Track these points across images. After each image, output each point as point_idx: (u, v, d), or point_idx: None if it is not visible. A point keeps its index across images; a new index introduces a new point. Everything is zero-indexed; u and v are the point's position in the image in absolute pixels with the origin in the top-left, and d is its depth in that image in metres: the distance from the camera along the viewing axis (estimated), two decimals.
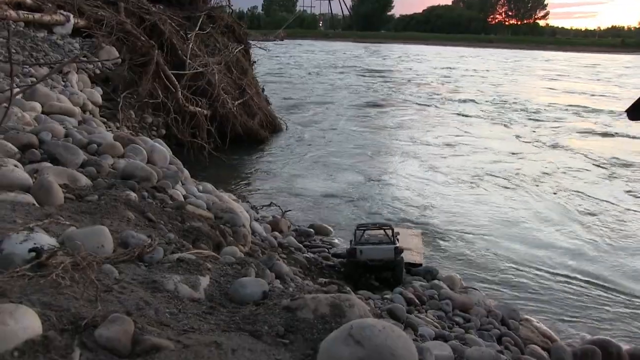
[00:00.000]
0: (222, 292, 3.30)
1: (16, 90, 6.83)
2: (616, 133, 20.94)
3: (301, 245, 8.38)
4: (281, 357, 2.57)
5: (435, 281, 7.48)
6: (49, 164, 5.53)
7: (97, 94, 11.63)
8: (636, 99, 2.52)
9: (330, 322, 2.83)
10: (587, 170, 15.58)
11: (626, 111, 2.57)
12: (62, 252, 3.20)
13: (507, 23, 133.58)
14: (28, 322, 2.45)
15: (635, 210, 12.02)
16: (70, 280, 2.99)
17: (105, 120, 10.99)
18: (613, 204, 12.49)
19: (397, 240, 7.73)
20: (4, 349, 2.27)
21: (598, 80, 42.93)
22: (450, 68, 50.26)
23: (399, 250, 7.37)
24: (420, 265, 8.27)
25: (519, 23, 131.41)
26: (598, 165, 16.10)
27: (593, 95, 32.48)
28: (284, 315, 2.92)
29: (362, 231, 7.72)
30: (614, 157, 16.95)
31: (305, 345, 2.71)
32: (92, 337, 2.55)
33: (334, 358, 2.30)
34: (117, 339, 2.55)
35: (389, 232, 7.66)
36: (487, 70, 46.52)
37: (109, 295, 2.98)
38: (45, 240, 3.43)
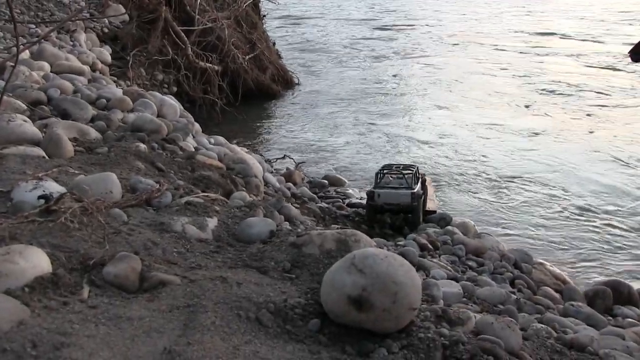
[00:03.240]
0: (229, 232, 3.34)
1: (21, 47, 6.81)
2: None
3: (314, 196, 8.38)
4: (287, 290, 2.60)
5: (449, 227, 7.45)
6: (58, 119, 5.55)
7: (106, 52, 11.55)
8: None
9: (336, 256, 2.84)
10: (606, 112, 15.23)
11: (629, 52, 2.44)
12: (70, 198, 3.24)
13: None
14: (37, 261, 2.51)
15: None
16: (79, 223, 3.04)
17: (115, 79, 10.95)
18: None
19: (423, 183, 7.78)
20: (15, 286, 2.33)
21: None
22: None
23: (415, 196, 7.34)
24: (435, 212, 8.24)
25: None
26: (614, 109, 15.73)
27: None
28: (291, 252, 2.94)
29: (383, 175, 7.69)
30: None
31: (310, 279, 2.74)
32: (100, 275, 2.60)
33: (337, 287, 2.32)
34: (124, 275, 2.60)
35: (409, 177, 7.60)
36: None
37: (117, 237, 3.02)
38: (55, 188, 3.47)
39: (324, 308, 2.42)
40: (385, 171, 7.79)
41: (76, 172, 4.01)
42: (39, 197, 3.30)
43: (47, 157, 4.54)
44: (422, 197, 7.61)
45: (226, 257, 2.99)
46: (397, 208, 7.30)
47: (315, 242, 2.91)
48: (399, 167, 7.99)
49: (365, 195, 8.68)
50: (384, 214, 7.43)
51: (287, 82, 16.97)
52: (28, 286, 2.34)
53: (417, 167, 8.05)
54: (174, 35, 13.29)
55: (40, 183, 3.47)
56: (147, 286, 2.58)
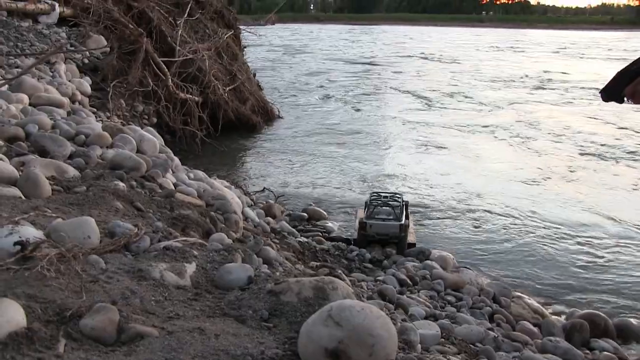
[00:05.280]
0: (208, 278, 3.33)
1: (0, 82, 6.78)
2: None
3: (294, 230, 8.40)
4: (264, 341, 2.60)
5: (428, 261, 7.54)
6: (36, 157, 5.52)
7: (86, 83, 11.52)
8: (609, 79, 2.50)
9: (313, 304, 2.86)
10: (576, 147, 15.64)
11: (600, 92, 2.53)
12: (47, 245, 3.21)
13: (498, 2, 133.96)
14: (12, 315, 2.47)
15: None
16: (56, 272, 3.01)
17: (95, 110, 10.91)
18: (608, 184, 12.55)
19: (407, 210, 8.55)
20: None
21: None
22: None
23: (403, 227, 8.11)
24: (414, 245, 8.31)
25: (510, 2, 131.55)
26: (587, 149, 16.15)
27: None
28: (268, 300, 2.95)
29: (374, 206, 8.41)
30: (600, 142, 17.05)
31: (288, 329, 2.75)
32: (77, 327, 2.58)
33: (313, 340, 2.34)
34: (102, 328, 2.58)
35: (397, 208, 8.36)
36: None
37: (95, 285, 3.00)
38: (31, 233, 3.44)
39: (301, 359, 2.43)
40: (374, 202, 8.59)
41: (53, 215, 3.98)
42: (15, 244, 3.26)
43: (23, 198, 4.51)
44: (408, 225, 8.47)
45: (204, 304, 2.99)
46: (387, 238, 8.13)
47: (293, 289, 2.93)
48: (387, 197, 8.88)
49: (344, 228, 9.16)
50: (373, 242, 8.22)
51: (267, 114, 17.09)
52: (0, 343, 2.30)
53: (402, 196, 8.97)
54: (154, 66, 13.36)
55: (17, 228, 3.43)
56: (125, 338, 2.56)
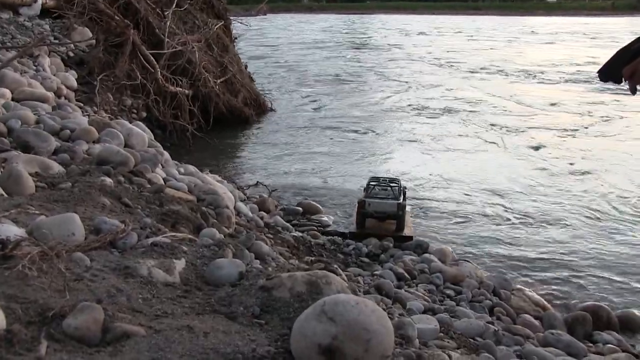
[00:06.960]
0: (198, 274, 3.22)
1: None
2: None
3: (288, 225, 8.23)
4: (256, 338, 2.50)
5: (426, 255, 7.40)
6: (18, 153, 5.37)
7: (71, 77, 11.26)
8: (607, 59, 2.37)
9: (307, 300, 2.76)
10: (571, 130, 15.61)
11: (598, 72, 2.41)
12: (28, 243, 3.09)
13: None
14: None
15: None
16: (38, 271, 2.89)
17: (81, 104, 10.68)
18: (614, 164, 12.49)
19: (404, 194, 8.76)
20: None
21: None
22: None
23: (401, 206, 8.30)
24: (411, 238, 8.19)
25: None
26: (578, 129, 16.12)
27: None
28: (260, 295, 2.85)
29: (373, 186, 8.61)
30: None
31: (281, 325, 2.64)
32: (60, 327, 2.46)
33: (307, 336, 2.24)
34: (86, 327, 2.46)
35: (396, 188, 8.55)
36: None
37: (80, 284, 2.88)
38: (13, 231, 3.32)
39: (294, 357, 2.33)
40: (373, 184, 8.76)
41: (37, 211, 3.85)
42: None
43: (5, 195, 4.37)
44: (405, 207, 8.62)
45: (194, 302, 2.88)
46: (385, 215, 8.32)
47: (285, 285, 2.82)
48: (385, 180, 9.04)
49: (341, 222, 9.07)
50: (371, 217, 8.39)
51: (259, 106, 16.91)
52: None
53: (400, 181, 9.10)
54: (142, 59, 13.11)
55: None
56: (110, 338, 2.45)
